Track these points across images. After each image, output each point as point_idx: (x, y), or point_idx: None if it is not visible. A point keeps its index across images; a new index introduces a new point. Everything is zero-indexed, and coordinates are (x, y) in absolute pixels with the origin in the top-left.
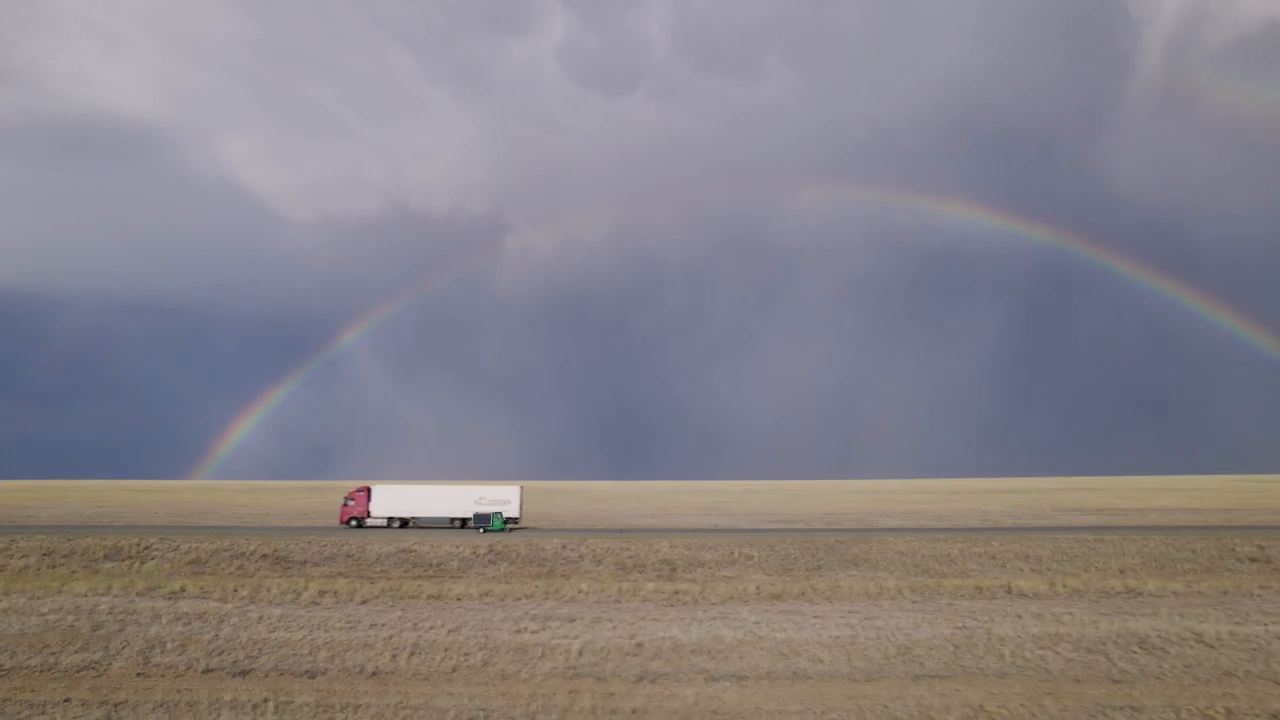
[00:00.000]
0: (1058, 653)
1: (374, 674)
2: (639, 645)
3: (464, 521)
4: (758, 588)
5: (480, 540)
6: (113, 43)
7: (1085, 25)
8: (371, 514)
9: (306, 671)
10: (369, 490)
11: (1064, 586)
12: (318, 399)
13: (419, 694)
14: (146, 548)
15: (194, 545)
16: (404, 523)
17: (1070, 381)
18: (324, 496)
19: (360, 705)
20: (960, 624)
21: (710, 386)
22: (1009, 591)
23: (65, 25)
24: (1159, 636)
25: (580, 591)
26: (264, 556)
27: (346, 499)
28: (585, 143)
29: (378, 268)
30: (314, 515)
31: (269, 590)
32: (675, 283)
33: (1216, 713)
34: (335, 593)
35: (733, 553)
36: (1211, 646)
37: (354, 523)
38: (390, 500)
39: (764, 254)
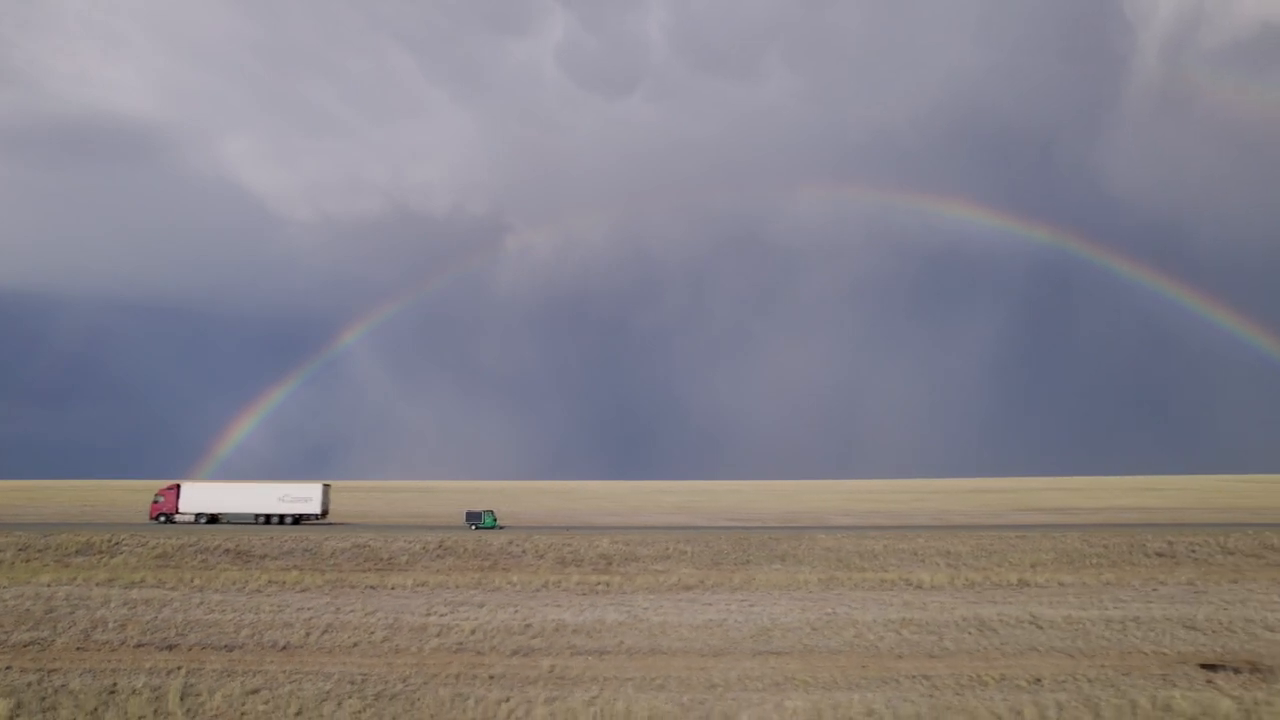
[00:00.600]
0: (899, 634)
1: (284, 648)
2: (527, 625)
3: (268, 517)
4: (678, 579)
5: (431, 536)
6: (113, 43)
7: (1082, 27)
8: (180, 510)
9: (226, 645)
10: (178, 488)
11: (964, 580)
12: (318, 399)
13: (315, 663)
14: (117, 543)
15: (162, 541)
16: (212, 518)
17: (1069, 382)
18: None
19: (260, 671)
20: (830, 610)
21: (710, 387)
22: (908, 583)
23: (65, 25)
24: (999, 619)
25: (509, 582)
26: (226, 551)
27: (156, 496)
28: (585, 143)
29: (378, 268)
30: None
31: (220, 580)
32: (675, 283)
33: (990, 679)
34: (281, 583)
35: (669, 548)
36: (1040, 628)
37: (163, 518)
38: (198, 497)
39: (764, 254)
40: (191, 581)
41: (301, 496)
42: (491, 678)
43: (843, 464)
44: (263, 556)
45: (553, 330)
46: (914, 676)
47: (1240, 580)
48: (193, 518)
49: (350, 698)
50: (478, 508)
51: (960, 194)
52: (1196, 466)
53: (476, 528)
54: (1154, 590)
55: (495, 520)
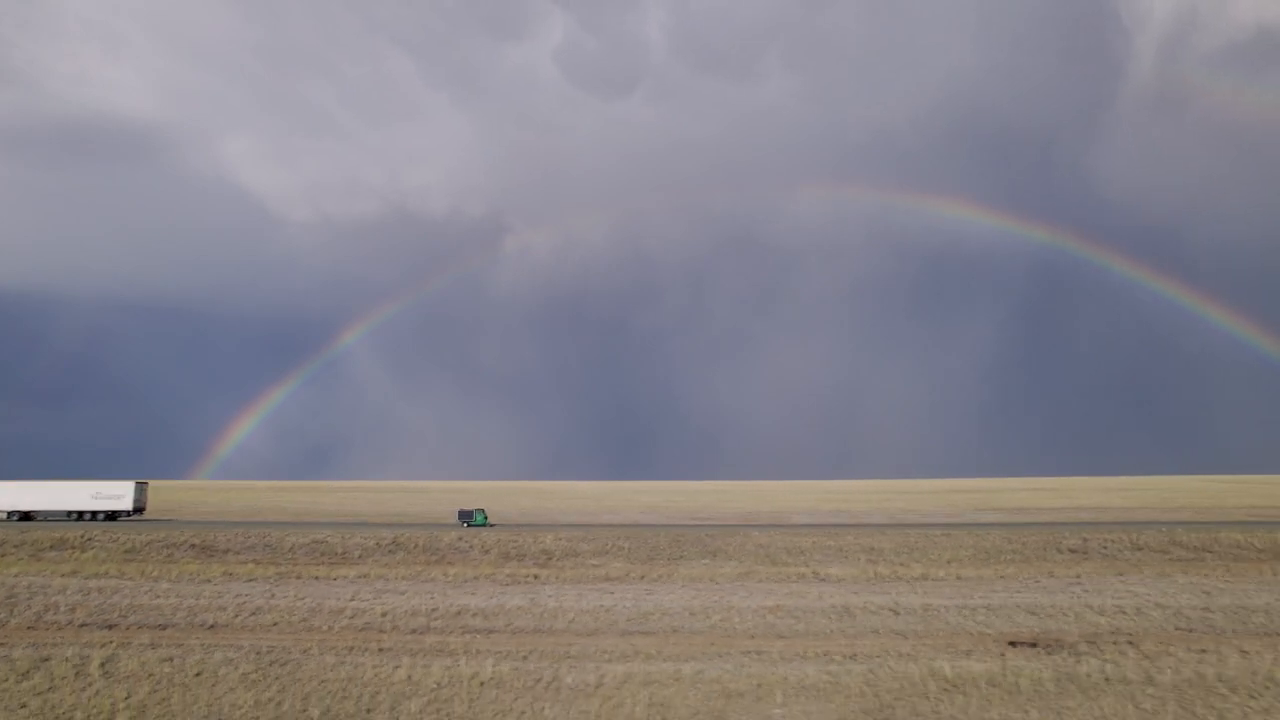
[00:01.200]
0: (764, 618)
1: (212, 626)
2: (433, 609)
3: (81, 514)
4: (605, 573)
5: (386, 533)
6: (113, 43)
7: (1080, 29)
8: None
9: (160, 625)
10: None
11: (872, 573)
12: (317, 399)
13: (234, 638)
14: (89, 539)
15: (132, 537)
16: (25, 515)
17: (1064, 382)
18: (296, 496)
19: (182, 645)
20: (716, 598)
21: (709, 386)
22: (817, 576)
23: (65, 25)
24: (862, 607)
25: (445, 575)
26: (192, 546)
27: None
28: (584, 144)
29: (377, 268)
30: (269, 512)
31: (178, 572)
32: (674, 283)
33: (814, 654)
34: (234, 575)
35: (608, 544)
36: (896, 614)
37: None
38: (10, 496)
39: (763, 255)
40: (151, 573)
41: (114, 494)
42: (380, 649)
43: (839, 464)
44: (225, 551)
45: (552, 331)
46: (749, 652)
47: (1126, 573)
48: (5, 515)
49: (246, 662)
50: (469, 507)
51: (959, 194)
52: (1185, 467)
53: (468, 525)
54: (1036, 582)
55: (486, 518)
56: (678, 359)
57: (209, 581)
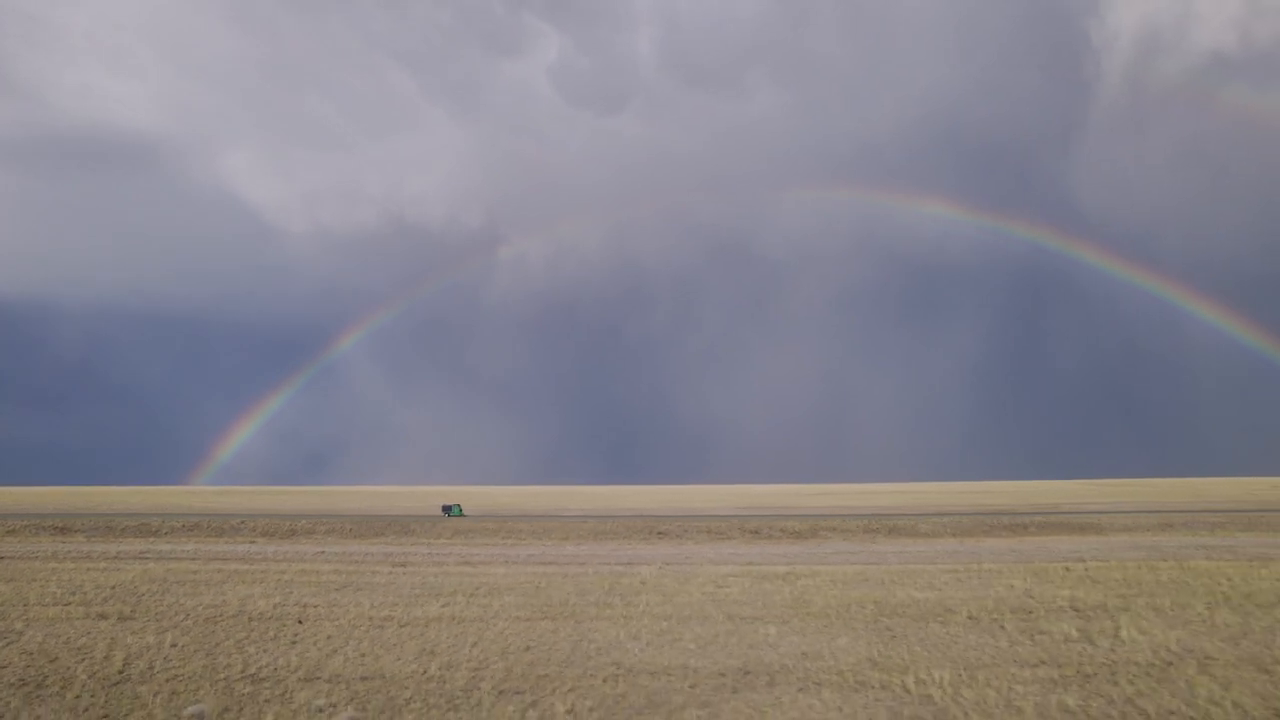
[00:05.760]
0: (328, 559)
1: (2, 559)
2: (131, 549)
3: None
4: (316, 540)
5: (194, 520)
6: (116, 57)
7: (1052, 50)
8: None
9: None
10: None
11: (491, 540)
12: (315, 404)
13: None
14: None
15: (14, 522)
16: None
17: (1017, 391)
18: (221, 499)
19: None
20: (335, 550)
21: (699, 392)
22: (446, 541)
23: (69, 40)
24: (385, 555)
25: (200, 539)
26: (55, 528)
27: None
28: (577, 157)
29: (374, 276)
30: (171, 510)
31: (29, 542)
32: (666, 291)
33: (292, 564)
34: (62, 540)
35: (350, 526)
36: (401, 561)
37: None
38: None
39: (750, 263)
40: (4, 539)
41: None
42: (74, 563)
43: (819, 468)
44: (76, 530)
45: (546, 338)
46: (258, 568)
47: (629, 541)
48: None
49: None
50: (449, 501)
51: (941, 201)
52: (1130, 471)
53: (449, 515)
54: (554, 547)
55: (462, 510)
56: (669, 365)
57: (37, 542)
